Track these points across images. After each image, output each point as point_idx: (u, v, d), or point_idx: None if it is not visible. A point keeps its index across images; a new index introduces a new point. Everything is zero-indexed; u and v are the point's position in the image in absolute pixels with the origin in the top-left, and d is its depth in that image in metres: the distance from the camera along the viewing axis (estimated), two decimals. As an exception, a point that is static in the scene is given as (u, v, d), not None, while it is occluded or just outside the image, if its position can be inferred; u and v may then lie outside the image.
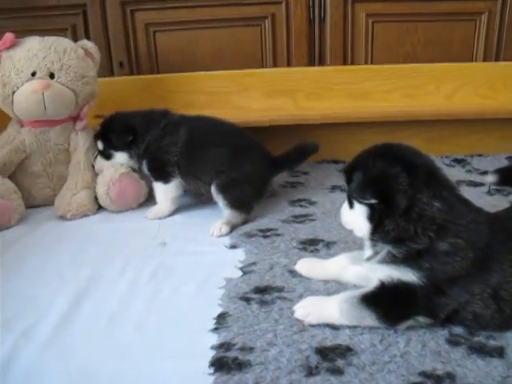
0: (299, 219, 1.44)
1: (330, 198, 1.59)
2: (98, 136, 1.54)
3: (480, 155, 1.95)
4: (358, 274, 1.05)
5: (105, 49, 1.85)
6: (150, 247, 1.31)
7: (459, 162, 1.90)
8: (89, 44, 1.57)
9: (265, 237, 1.32)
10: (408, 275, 0.90)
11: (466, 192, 1.55)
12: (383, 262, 0.94)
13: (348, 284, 1.07)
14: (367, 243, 1.00)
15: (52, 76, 1.47)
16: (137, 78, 1.88)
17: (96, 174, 1.55)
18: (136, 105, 1.65)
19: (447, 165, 1.89)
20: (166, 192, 1.49)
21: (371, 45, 1.92)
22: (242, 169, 1.44)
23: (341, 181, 1.69)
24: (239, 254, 1.24)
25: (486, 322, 0.91)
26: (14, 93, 1.45)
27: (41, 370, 0.87)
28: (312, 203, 1.55)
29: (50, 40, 1.49)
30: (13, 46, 1.46)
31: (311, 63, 1.92)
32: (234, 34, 1.88)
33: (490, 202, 1.51)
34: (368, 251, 1.00)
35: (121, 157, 1.53)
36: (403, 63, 1.90)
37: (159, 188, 1.50)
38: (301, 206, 1.54)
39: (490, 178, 1.15)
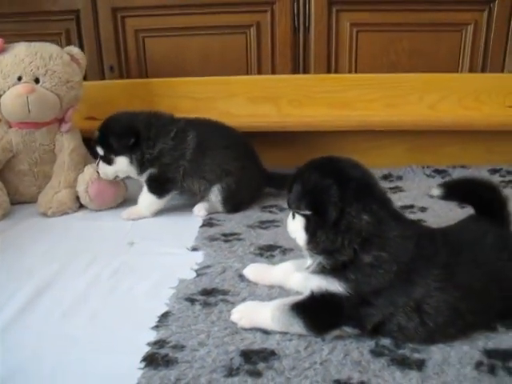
0: (265, 225, 1.49)
1: (301, 204, 1.64)
2: (97, 141, 1.53)
3: (463, 166, 1.96)
4: (299, 281, 1.10)
5: (96, 53, 1.93)
6: (118, 246, 1.38)
7: (440, 172, 1.92)
8: (75, 50, 1.65)
9: (226, 241, 1.38)
10: (335, 286, 0.95)
11: (437, 204, 1.61)
12: (314, 272, 0.99)
13: (291, 291, 1.13)
14: (305, 253, 1.05)
15: (37, 81, 1.55)
16: (126, 81, 1.96)
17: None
18: (124, 107, 1.71)
19: (427, 175, 1.92)
20: (153, 204, 1.55)
21: (355, 54, 1.95)
22: (246, 170, 1.55)
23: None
24: (198, 257, 1.30)
25: (410, 334, 0.95)
26: (0, 96, 1.55)
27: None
28: (282, 209, 1.60)
29: (37, 46, 1.58)
30: (1, 51, 1.55)
31: (295, 71, 1.96)
32: (220, 41, 1.94)
33: (460, 215, 1.53)
34: (308, 260, 1.05)
35: (121, 162, 1.51)
36: (388, 73, 1.93)
37: (149, 198, 1.54)
38: (270, 211, 1.59)
39: (436, 192, 1.17)
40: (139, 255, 1.33)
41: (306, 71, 1.96)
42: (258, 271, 1.19)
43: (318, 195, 0.96)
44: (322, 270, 0.97)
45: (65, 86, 1.59)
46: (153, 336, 0.99)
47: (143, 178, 1.55)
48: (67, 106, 1.63)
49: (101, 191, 1.59)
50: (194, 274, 1.22)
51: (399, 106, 1.94)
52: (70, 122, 1.65)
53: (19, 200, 1.66)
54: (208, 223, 1.51)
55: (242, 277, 1.19)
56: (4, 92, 1.54)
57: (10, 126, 1.62)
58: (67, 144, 1.64)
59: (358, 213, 0.94)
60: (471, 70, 1.97)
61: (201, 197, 1.59)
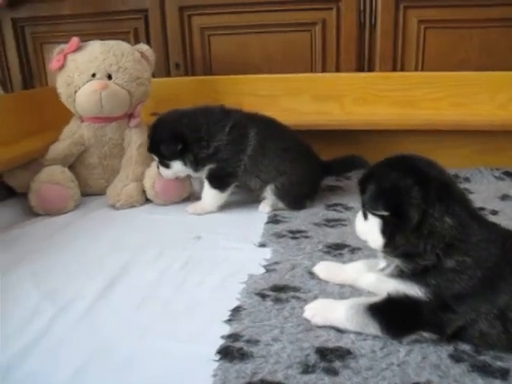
0: (331, 223, 1.48)
1: (366, 203, 1.61)
2: (149, 148, 1.57)
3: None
4: (372, 282, 1.08)
5: (163, 50, 1.97)
6: (185, 240, 1.40)
7: (510, 175, 1.85)
8: (144, 47, 1.69)
9: (293, 238, 1.38)
10: (414, 290, 0.92)
11: (510, 207, 1.55)
12: (392, 275, 0.96)
13: (362, 290, 1.11)
14: (380, 254, 1.03)
15: (110, 77, 1.61)
16: (191, 78, 2.00)
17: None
18: (189, 103, 1.75)
19: (497, 177, 1.85)
20: (217, 198, 1.56)
21: (422, 51, 1.90)
22: (300, 170, 1.54)
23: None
24: (266, 253, 1.30)
25: (492, 341, 0.91)
26: (76, 92, 1.61)
27: (71, 342, 0.98)
28: (347, 208, 1.59)
29: (110, 44, 1.63)
30: (78, 49, 1.61)
31: (360, 69, 1.94)
32: (284, 39, 1.95)
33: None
34: (382, 262, 1.02)
35: (177, 165, 1.54)
36: (456, 71, 1.87)
37: (211, 193, 1.55)
38: (335, 210, 1.58)
39: None
40: (207, 249, 1.35)
41: (370, 69, 1.93)
42: (328, 269, 1.17)
43: (397, 195, 0.92)
44: (400, 274, 0.95)
45: (135, 83, 1.63)
46: (226, 329, 0.99)
47: (203, 174, 1.56)
48: (136, 102, 1.67)
49: (166, 187, 1.62)
50: (263, 270, 1.22)
51: (467, 105, 1.88)
52: (138, 117, 1.69)
53: (88, 192, 1.72)
54: (273, 220, 1.51)
55: (311, 274, 1.18)
56: (79, 88, 1.60)
57: (83, 121, 1.68)
58: (135, 139, 1.68)
59: (441, 215, 0.91)
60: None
61: (257, 194, 1.59)
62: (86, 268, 1.25)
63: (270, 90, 1.94)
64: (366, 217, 1.01)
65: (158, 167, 1.59)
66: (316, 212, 1.56)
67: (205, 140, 1.51)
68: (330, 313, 1.00)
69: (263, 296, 1.10)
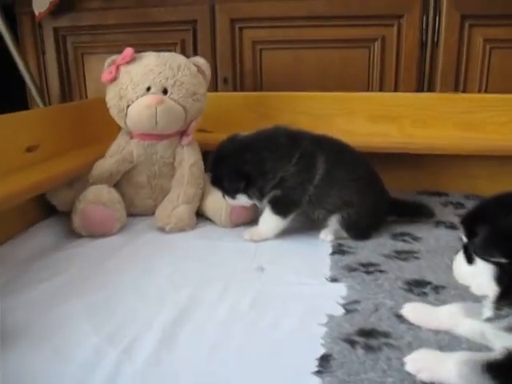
0: (402, 256, 1.36)
1: (434, 234, 1.50)
2: (213, 183, 1.48)
3: None
4: (475, 330, 0.96)
5: (211, 64, 1.86)
6: (247, 271, 1.29)
7: None
8: (201, 61, 1.59)
9: (367, 272, 1.26)
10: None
11: None
12: (508, 329, 0.85)
13: (461, 338, 0.99)
14: (488, 303, 0.91)
15: (165, 91, 1.51)
16: (240, 94, 1.90)
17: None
18: (238, 120, 1.66)
19: None
20: (276, 225, 1.46)
21: (487, 72, 1.81)
22: (369, 202, 1.43)
23: (445, 216, 1.64)
24: (340, 289, 1.19)
25: None
26: (128, 106, 1.50)
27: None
28: (415, 238, 1.47)
29: (166, 56, 1.53)
30: (131, 60, 1.52)
31: (420, 89, 1.84)
32: (340, 56, 1.85)
33: None
34: (488, 311, 0.90)
35: (242, 198, 1.45)
36: (520, 93, 1.77)
37: (272, 219, 1.45)
38: (403, 240, 1.46)
39: None
40: (273, 284, 1.23)
41: (431, 89, 1.84)
42: (419, 312, 1.06)
43: None
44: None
45: (191, 98, 1.53)
46: (317, 382, 0.88)
47: (266, 200, 1.46)
48: (191, 119, 1.57)
49: (239, 210, 1.53)
50: (343, 310, 1.10)
51: (533, 130, 1.77)
52: (191, 134, 1.59)
53: (133, 212, 1.61)
54: (339, 250, 1.40)
55: (399, 317, 1.06)
56: (132, 102, 1.49)
57: (132, 137, 1.58)
58: (187, 157, 1.58)
59: None
60: None
61: (318, 223, 1.48)
62: (145, 304, 1.13)
63: (324, 109, 1.83)
64: (471, 260, 0.90)
65: (223, 196, 1.49)
66: (383, 242, 1.45)
67: (270, 173, 1.41)
68: (439, 368, 0.88)
69: (351, 342, 0.99)
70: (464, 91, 1.83)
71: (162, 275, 1.27)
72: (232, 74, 1.90)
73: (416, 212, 1.56)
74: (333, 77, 1.87)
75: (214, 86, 1.91)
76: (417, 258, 1.35)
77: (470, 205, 1.73)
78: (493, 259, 0.84)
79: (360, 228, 1.46)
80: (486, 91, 1.82)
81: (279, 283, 1.23)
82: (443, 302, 1.09)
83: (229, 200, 1.48)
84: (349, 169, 1.44)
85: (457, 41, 1.77)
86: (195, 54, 1.83)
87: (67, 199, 1.51)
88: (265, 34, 1.86)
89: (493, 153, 1.75)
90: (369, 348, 0.97)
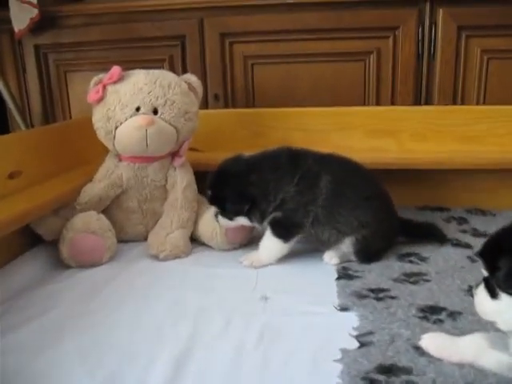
0: (412, 279, 1.29)
1: (441, 253, 1.44)
2: (211, 201, 1.41)
3: None
4: (502, 363, 0.90)
5: (201, 80, 1.80)
6: (250, 302, 1.21)
7: None
8: (192, 78, 1.52)
9: (378, 299, 1.19)
10: None
11: None
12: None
13: (487, 371, 0.92)
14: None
15: (155, 111, 1.43)
16: (232, 111, 1.83)
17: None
18: (230, 138, 1.59)
19: None
20: (278, 249, 1.38)
21: (485, 84, 1.77)
22: (384, 222, 1.36)
23: (451, 233, 1.58)
24: (351, 319, 1.11)
25: None
26: (117, 127, 1.42)
27: None
28: (422, 259, 1.41)
29: (156, 74, 1.45)
30: (119, 79, 1.43)
31: (417, 102, 1.80)
32: (335, 69, 1.81)
33: None
34: None
35: (241, 220, 1.38)
36: (519, 104, 1.74)
37: (273, 243, 1.38)
38: (411, 261, 1.39)
39: None
40: (280, 315, 1.15)
41: (428, 102, 1.79)
42: (440, 344, 0.98)
43: None
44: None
45: (183, 118, 1.45)
46: (340, 429, 0.81)
47: (266, 222, 1.38)
48: (183, 139, 1.49)
49: (235, 229, 1.46)
50: (356, 343, 1.03)
51: (533, 142, 1.73)
52: (184, 156, 1.51)
53: (123, 238, 1.52)
54: (345, 275, 1.32)
55: (418, 349, 0.99)
56: (121, 123, 1.41)
57: (121, 160, 1.49)
58: (180, 180, 1.50)
59: None
60: None
61: (328, 246, 1.41)
62: (143, 343, 1.04)
63: (319, 125, 1.77)
64: (494, 295, 0.83)
65: (215, 216, 1.41)
66: (389, 264, 1.37)
67: (272, 195, 1.34)
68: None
69: (371, 381, 0.91)
70: (462, 103, 1.78)
71: (159, 308, 1.18)
72: (223, 91, 1.83)
73: (427, 234, 1.49)
74: (327, 91, 1.81)
75: (204, 103, 1.83)
76: (427, 280, 1.28)
77: (473, 220, 1.69)
78: None
79: (372, 251, 1.39)
80: (484, 103, 1.79)
81: (285, 314, 1.15)
82: (461, 330, 1.03)
83: (223, 221, 1.41)
84: (360, 188, 1.37)
85: (454, 52, 1.74)
86: (184, 70, 1.76)
87: (54, 228, 1.42)
88: (256, 48, 1.80)
89: (493, 166, 1.70)
90: (390, 387, 0.90)
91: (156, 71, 1.47)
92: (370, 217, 1.35)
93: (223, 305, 1.19)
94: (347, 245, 1.36)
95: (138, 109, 1.42)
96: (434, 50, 1.74)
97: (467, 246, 1.48)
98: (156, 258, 1.43)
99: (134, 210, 1.51)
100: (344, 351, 1.00)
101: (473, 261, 1.39)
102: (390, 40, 1.75)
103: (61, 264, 1.40)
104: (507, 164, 1.69)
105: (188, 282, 1.32)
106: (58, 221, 1.42)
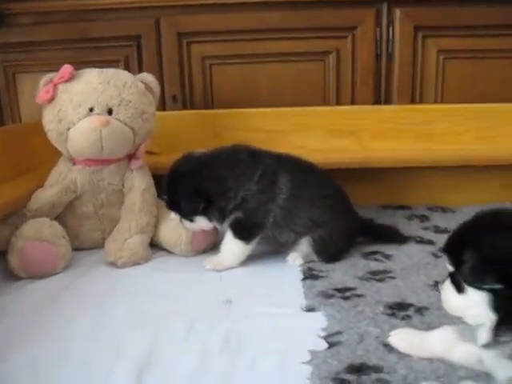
0: (378, 276, 1.28)
1: (404, 250, 1.44)
2: (168, 205, 1.36)
3: None
4: (470, 355, 0.88)
5: (158, 81, 1.75)
6: (213, 306, 1.16)
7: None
8: (149, 78, 1.47)
9: (345, 298, 1.17)
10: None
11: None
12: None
13: (457, 365, 0.91)
14: (483, 329, 0.82)
15: (110, 112, 1.37)
16: (190, 112, 1.79)
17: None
18: (189, 140, 1.55)
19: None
20: (240, 251, 1.34)
21: (442, 83, 1.79)
22: (341, 220, 1.35)
23: (413, 230, 1.58)
24: (319, 319, 1.08)
25: None
26: (69, 129, 1.35)
27: None
28: (387, 257, 1.40)
29: (110, 73, 1.39)
30: (71, 78, 1.36)
31: (377, 101, 1.80)
32: (295, 70, 1.79)
33: None
34: (484, 336, 0.82)
35: (201, 221, 1.33)
36: (477, 103, 1.77)
37: (235, 245, 1.33)
38: (376, 259, 1.38)
39: None
40: (245, 318, 1.10)
41: (388, 101, 1.80)
42: (408, 340, 0.96)
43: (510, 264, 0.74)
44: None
45: (140, 119, 1.40)
46: (312, 434, 0.77)
47: (227, 223, 1.34)
48: (140, 141, 1.43)
49: (199, 235, 1.40)
50: (325, 344, 0.99)
51: (491, 138, 1.77)
52: (141, 158, 1.45)
53: (79, 246, 1.44)
54: (310, 275, 1.29)
55: (388, 346, 0.97)
56: (74, 125, 1.34)
57: (74, 163, 1.42)
58: (138, 183, 1.43)
59: None
60: None
61: (287, 248, 1.38)
62: (100, 355, 0.97)
63: (279, 125, 1.75)
64: (461, 290, 0.82)
65: (180, 220, 1.36)
66: (354, 263, 1.36)
67: (231, 192, 1.29)
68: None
69: (342, 382, 0.88)
70: (421, 102, 1.80)
71: (117, 318, 1.11)
72: (181, 92, 1.78)
73: (387, 235, 1.49)
74: (288, 92, 1.79)
75: (162, 105, 1.78)
76: (392, 277, 1.27)
77: (434, 217, 1.70)
78: (486, 286, 0.77)
79: (332, 250, 1.36)
80: (441, 101, 1.81)
81: (251, 317, 1.11)
82: (429, 325, 1.01)
83: (186, 224, 1.36)
84: (316, 187, 1.35)
85: (411, 52, 1.75)
86: (140, 71, 1.67)
87: (2, 237, 1.33)
88: (214, 48, 1.76)
89: (452, 163, 1.73)
90: (362, 387, 0.87)
91: (110, 70, 1.41)
92: (325, 216, 1.33)
93: (185, 311, 1.13)
94: (305, 245, 1.34)
95: (91, 109, 1.35)
96: (392, 50, 1.75)
97: (430, 242, 1.49)
98: (114, 265, 1.36)
99: (89, 216, 1.44)
100: (313, 352, 0.96)
101: (436, 257, 1.39)
102: (349, 40, 1.75)
103: (10, 275, 1.30)
104: (465, 161, 1.72)
105: (148, 288, 1.26)
106: (7, 229, 1.33)
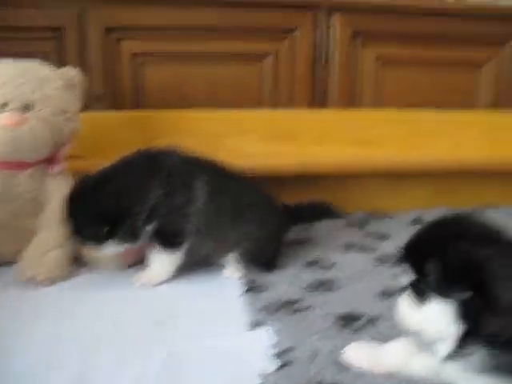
0: (324, 286, 1.22)
1: (347, 258, 1.39)
2: (72, 233, 1.18)
3: (488, 207, 1.83)
4: (429, 367, 0.83)
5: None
6: (146, 327, 1.03)
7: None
8: (72, 72, 1.32)
9: (292, 312, 1.09)
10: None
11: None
12: (484, 370, 0.73)
13: (415, 379, 0.85)
14: (446, 342, 0.77)
15: (27, 108, 1.20)
16: (118, 114, 1.63)
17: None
18: (117, 144, 1.41)
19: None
20: (168, 263, 1.22)
21: (380, 89, 1.79)
22: (267, 228, 1.25)
23: (353, 237, 1.55)
24: (266, 336, 0.99)
25: None
26: (-22, 127, 1.17)
27: None
28: (330, 265, 1.34)
29: (27, 65, 1.23)
30: (-21, 70, 1.19)
31: (314, 105, 1.76)
32: (231, 71, 1.70)
33: None
34: (445, 348, 0.77)
35: (110, 246, 1.16)
36: (415, 109, 1.78)
37: (163, 257, 1.21)
38: (319, 268, 1.32)
39: None
40: (182, 340, 0.99)
41: (325, 106, 1.76)
42: (363, 355, 0.91)
43: (481, 269, 0.71)
44: (500, 367, 0.72)
45: (61, 117, 1.24)
46: None
47: (144, 238, 1.20)
48: (61, 143, 1.28)
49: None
50: (275, 363, 0.91)
51: (427, 144, 1.78)
52: (61, 162, 1.30)
53: (-12, 262, 1.26)
54: (252, 288, 1.20)
55: (342, 363, 0.90)
56: (-17, 123, 1.17)
57: (-15, 167, 1.24)
58: (58, 190, 1.27)
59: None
60: (492, 107, 1.88)
61: (215, 263, 1.28)
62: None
63: (214, 129, 1.65)
64: (422, 300, 0.77)
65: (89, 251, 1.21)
66: (297, 273, 1.28)
67: (137, 205, 1.15)
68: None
69: (298, 406, 0.80)
70: (360, 107, 1.78)
71: (34, 347, 0.95)
72: (108, 91, 1.63)
73: (317, 213, 1.46)
74: (223, 94, 1.70)
75: (86, 104, 1.62)
76: (339, 287, 1.22)
77: (374, 223, 1.68)
78: (454, 295, 0.73)
79: (263, 260, 1.28)
80: (380, 107, 1.80)
81: (189, 339, 0.99)
82: (384, 335, 0.96)
83: (95, 253, 1.21)
84: (237, 193, 1.25)
85: (349, 57, 1.73)
86: (62, 67, 1.54)
87: None
88: (146, 46, 1.63)
89: (390, 170, 1.72)
90: (320, 411, 0.79)
91: (28, 62, 1.25)
92: (251, 226, 1.23)
93: (114, 335, 1.00)
94: (232, 261, 1.25)
95: (4, 105, 1.18)
96: (331, 54, 1.73)
97: (371, 249, 1.46)
98: (29, 282, 1.19)
99: (2, 226, 1.25)
100: (263, 376, 0.87)
101: (379, 264, 1.36)
102: (287, 42, 1.70)
103: None
104: (402, 167, 1.72)
105: (70, 310, 1.10)
106: None
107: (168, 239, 1.21)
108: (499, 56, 1.88)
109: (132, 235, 1.17)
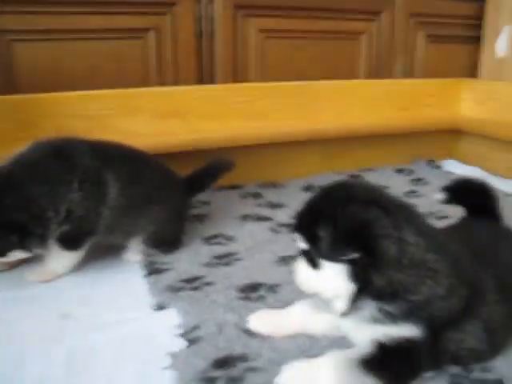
0: (224, 260, 1.25)
1: (245, 230, 1.43)
2: None
3: (370, 169, 1.98)
4: (329, 323, 0.91)
5: None
6: (49, 323, 0.99)
7: (353, 177, 1.90)
8: None
9: (194, 289, 1.10)
10: (411, 330, 0.79)
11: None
12: (374, 320, 0.80)
13: (319, 337, 0.92)
14: (341, 300, 0.83)
15: None
16: (-11, 98, 1.50)
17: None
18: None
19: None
20: (69, 258, 1.16)
21: (262, 61, 1.82)
22: (172, 211, 1.25)
23: (249, 208, 1.58)
24: (172, 316, 1.00)
25: (479, 354, 0.85)
26: None
27: None
28: (229, 238, 1.37)
29: None
30: None
31: (201, 81, 1.75)
32: (112, 48, 1.62)
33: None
34: (341, 306, 0.83)
35: (16, 254, 1.09)
36: (295, 80, 1.83)
37: (63, 255, 1.15)
38: (218, 243, 1.34)
39: (440, 196, 1.12)
40: (87, 331, 0.96)
41: (211, 81, 1.75)
42: (267, 321, 0.95)
43: (368, 230, 0.77)
44: (388, 317, 0.79)
45: None
46: None
47: (50, 241, 1.13)
48: None
49: None
50: (184, 342, 0.92)
51: (311, 114, 1.86)
52: None
53: None
54: (154, 269, 1.19)
55: (249, 332, 0.94)
56: None
57: None
58: None
59: (415, 240, 0.79)
60: (368, 76, 2.00)
61: (118, 246, 1.26)
62: None
63: (101, 110, 1.56)
64: (316, 266, 0.82)
65: None
66: (197, 250, 1.30)
67: (50, 211, 1.08)
68: (315, 380, 0.78)
69: (210, 380, 0.82)
70: (244, 81, 1.80)
71: None
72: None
73: (215, 172, 1.43)
74: (104, 73, 1.61)
75: None
76: (239, 259, 1.25)
77: (267, 193, 1.73)
78: (345, 257, 0.78)
79: (168, 241, 1.28)
80: (263, 80, 1.83)
81: (95, 328, 0.97)
82: (285, 302, 1.01)
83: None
84: (144, 180, 1.22)
85: (232, 31, 1.73)
86: None
87: None
88: (16, 21, 1.48)
89: (277, 140, 1.78)
90: (232, 381, 0.82)
91: None
92: (157, 211, 1.23)
93: (13, 336, 0.95)
94: (137, 243, 1.23)
95: None
96: (213, 28, 1.71)
97: (267, 218, 1.51)
98: None
99: None
100: (172, 355, 0.88)
101: (276, 232, 1.42)
102: (168, 17, 1.65)
103: None
104: (289, 137, 1.79)
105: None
106: None
107: (73, 240, 1.16)
108: (375, 27, 2.00)
109: (41, 241, 1.09)
